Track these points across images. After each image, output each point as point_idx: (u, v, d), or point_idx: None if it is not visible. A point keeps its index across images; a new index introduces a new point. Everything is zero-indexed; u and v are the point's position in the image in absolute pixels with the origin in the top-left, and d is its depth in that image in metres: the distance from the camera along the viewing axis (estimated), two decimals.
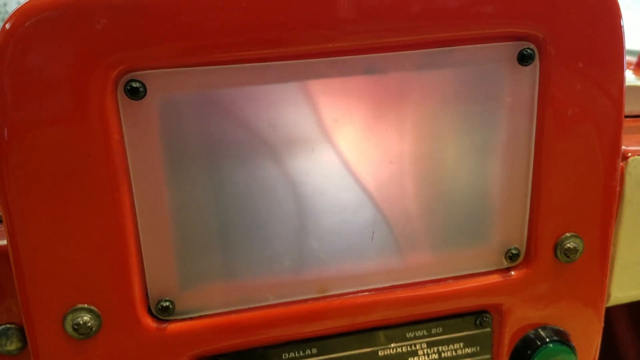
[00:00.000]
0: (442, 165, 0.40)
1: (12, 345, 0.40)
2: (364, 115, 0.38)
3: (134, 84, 0.33)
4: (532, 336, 0.44)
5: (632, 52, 0.79)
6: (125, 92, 0.33)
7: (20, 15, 0.32)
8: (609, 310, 0.88)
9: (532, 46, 0.38)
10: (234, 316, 0.39)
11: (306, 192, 0.38)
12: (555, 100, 0.39)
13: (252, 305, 0.40)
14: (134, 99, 0.34)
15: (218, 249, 0.38)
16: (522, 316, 0.44)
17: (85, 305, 0.36)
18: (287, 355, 0.41)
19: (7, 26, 0.32)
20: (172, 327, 0.38)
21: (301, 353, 0.41)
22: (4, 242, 0.39)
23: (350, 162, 0.38)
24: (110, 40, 0.32)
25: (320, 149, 0.38)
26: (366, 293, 0.41)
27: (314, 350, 0.41)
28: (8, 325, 0.40)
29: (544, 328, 0.44)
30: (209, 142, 0.36)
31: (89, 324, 0.36)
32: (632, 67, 0.76)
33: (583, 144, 0.40)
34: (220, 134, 0.36)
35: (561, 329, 0.44)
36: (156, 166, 0.35)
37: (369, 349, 0.42)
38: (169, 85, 0.34)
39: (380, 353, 0.42)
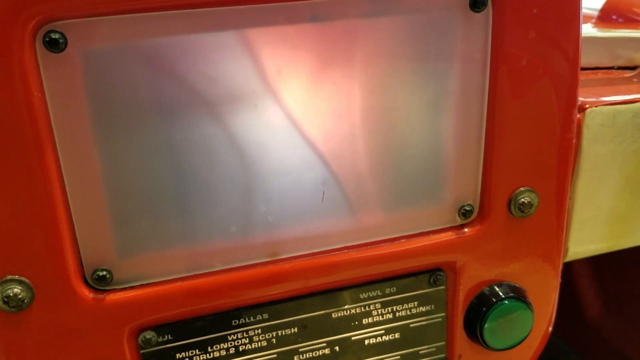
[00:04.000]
0: (393, 120, 0.38)
1: None
2: (310, 67, 0.36)
3: (53, 35, 0.30)
4: (487, 293, 0.43)
5: (593, 9, 0.78)
6: (44, 45, 0.31)
7: None
8: (571, 265, 0.89)
9: None
10: (178, 284, 0.37)
11: (250, 151, 0.36)
12: (508, 51, 0.37)
13: (197, 272, 0.38)
14: (54, 52, 0.31)
15: (157, 214, 0.36)
16: (476, 273, 0.43)
17: (16, 277, 0.33)
18: (236, 321, 0.40)
19: None
20: (111, 297, 0.36)
21: (252, 319, 0.40)
22: None
23: (296, 117, 0.36)
24: None
25: (263, 104, 0.35)
26: (318, 255, 0.40)
27: (265, 316, 0.40)
28: None
29: (499, 285, 0.44)
30: (140, 98, 0.33)
31: (20, 296, 0.33)
32: (593, 20, 0.74)
33: (538, 96, 0.39)
34: (152, 89, 0.33)
35: (517, 285, 0.44)
36: (83, 125, 0.33)
37: (323, 312, 0.41)
38: (92, 35, 0.31)
39: (334, 315, 0.41)
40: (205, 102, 0.34)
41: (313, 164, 0.38)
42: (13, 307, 0.34)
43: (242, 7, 0.33)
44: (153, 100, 0.33)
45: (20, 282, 0.33)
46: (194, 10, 0.32)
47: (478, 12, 0.36)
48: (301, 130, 0.37)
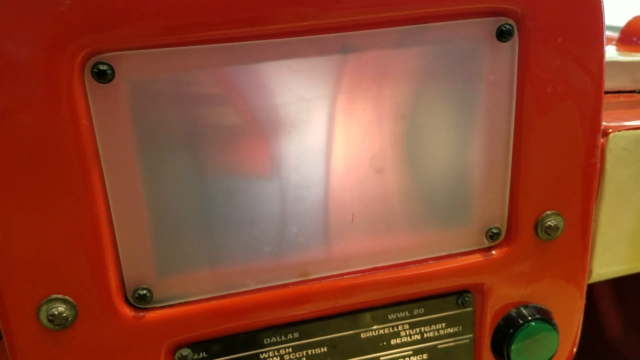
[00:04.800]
0: (422, 145, 0.39)
1: None
2: (341, 96, 0.37)
3: (102, 67, 0.32)
4: (514, 315, 0.44)
5: (613, 28, 0.79)
6: (92, 76, 0.32)
7: None
8: (592, 286, 0.89)
9: (511, 22, 0.37)
10: (213, 303, 0.38)
11: (284, 175, 0.38)
12: (534, 77, 0.38)
13: (232, 292, 0.39)
14: (101, 82, 0.33)
15: (195, 235, 0.37)
16: (503, 295, 0.43)
17: (60, 296, 0.35)
18: (268, 340, 0.41)
19: None
20: (150, 315, 0.37)
21: (283, 337, 0.41)
22: None
23: (327, 143, 0.38)
24: (75, 22, 0.31)
25: (297, 131, 0.37)
26: (347, 276, 0.41)
27: (296, 335, 0.41)
28: None
29: (526, 306, 0.44)
30: (182, 125, 0.35)
31: (64, 315, 0.35)
32: (613, 42, 0.75)
33: (563, 121, 0.40)
34: (194, 117, 0.35)
35: (543, 307, 0.44)
36: (128, 152, 0.34)
37: (351, 332, 0.42)
38: (138, 67, 0.33)
39: (362, 335, 0.42)
40: (244, 129, 0.36)
41: (343, 188, 0.39)
42: (57, 325, 0.35)
43: (279, 40, 0.35)
44: (194, 127, 0.35)
45: (64, 301, 0.35)
46: (234, 44, 0.34)
47: (505, 42, 0.37)
48: (332, 154, 0.38)
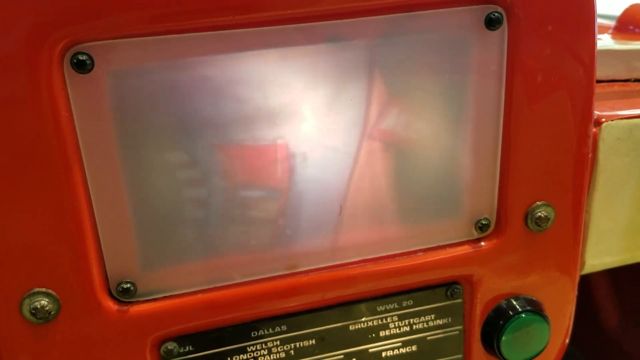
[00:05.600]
0: (410, 135, 0.39)
1: None
2: (329, 85, 0.37)
3: (81, 57, 0.32)
4: (505, 306, 0.44)
5: (610, 17, 0.78)
6: (72, 66, 0.32)
7: None
8: (588, 277, 0.89)
9: (499, 9, 0.36)
10: (199, 296, 0.38)
11: (269, 167, 0.37)
12: (524, 66, 0.38)
13: (218, 285, 0.39)
14: (81, 73, 0.32)
15: (180, 228, 0.37)
16: (493, 286, 0.43)
17: (43, 289, 0.35)
18: (255, 333, 0.40)
19: None
20: (135, 309, 0.37)
21: (271, 331, 0.41)
22: None
23: (315, 134, 0.37)
24: (54, 12, 0.30)
25: (284, 121, 0.36)
26: (335, 268, 0.40)
27: (284, 327, 0.41)
28: None
29: (516, 298, 0.44)
30: (163, 116, 0.34)
31: (47, 308, 0.34)
32: (610, 31, 0.74)
33: (554, 111, 0.39)
34: (175, 107, 0.34)
35: (534, 298, 0.44)
36: (108, 143, 0.34)
37: (340, 324, 0.42)
38: (118, 57, 0.32)
39: (351, 327, 0.42)
40: (226, 120, 0.35)
41: (330, 179, 0.38)
42: (40, 318, 0.35)
43: (267, 28, 0.34)
44: (175, 118, 0.34)
45: (47, 295, 0.35)
46: (218, 32, 0.33)
47: (494, 30, 0.37)
48: (320, 146, 0.38)
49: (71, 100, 0.32)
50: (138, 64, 0.33)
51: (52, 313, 0.35)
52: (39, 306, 0.34)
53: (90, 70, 0.32)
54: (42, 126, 0.32)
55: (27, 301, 0.34)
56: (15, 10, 0.30)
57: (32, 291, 0.34)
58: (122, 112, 0.33)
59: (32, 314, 0.34)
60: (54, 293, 0.35)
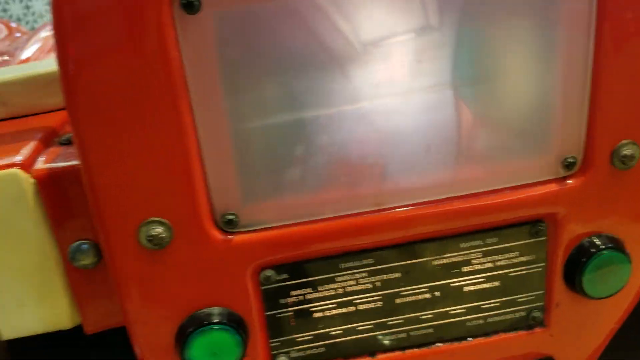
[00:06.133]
0: (497, 71, 0.39)
1: (87, 260, 0.42)
2: (422, 25, 0.37)
3: None
4: (587, 244, 0.44)
5: None
6: (181, 7, 0.34)
7: None
8: None
9: None
10: (294, 229, 0.41)
11: (362, 104, 0.39)
12: (614, 6, 0.37)
13: (311, 219, 0.41)
14: (189, 13, 0.34)
15: (277, 165, 0.39)
16: (577, 225, 0.44)
17: (158, 218, 0.38)
18: (344, 264, 0.43)
19: None
20: (237, 239, 0.40)
21: (358, 263, 0.43)
22: (72, 162, 0.41)
23: (404, 70, 0.38)
24: None
25: (375, 58, 0.38)
26: (422, 206, 0.42)
27: (371, 261, 0.43)
28: (82, 241, 0.43)
29: (599, 236, 0.44)
30: (265, 55, 0.36)
31: (162, 235, 0.38)
32: None
33: None
34: (277, 46, 0.36)
35: (616, 236, 0.45)
36: (214, 82, 0.36)
37: (425, 259, 0.44)
38: None
39: (434, 262, 0.44)
40: (323, 56, 0.37)
41: (418, 116, 0.40)
42: (155, 244, 0.38)
43: None
44: (276, 56, 0.36)
45: (161, 223, 0.38)
46: None
47: None
48: (408, 83, 0.39)
49: (180, 40, 0.34)
50: (241, 4, 0.35)
51: (165, 240, 0.38)
52: (154, 233, 0.37)
53: (197, 11, 0.34)
54: (153, 66, 0.34)
55: (143, 229, 0.37)
56: None
57: (148, 220, 0.37)
58: (227, 50, 0.35)
59: (148, 240, 0.38)
60: (167, 222, 0.38)
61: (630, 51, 0.39)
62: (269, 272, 0.41)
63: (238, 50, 0.35)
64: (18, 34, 1.26)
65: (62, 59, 0.34)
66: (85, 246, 0.42)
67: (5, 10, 4.07)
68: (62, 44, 0.34)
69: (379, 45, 0.37)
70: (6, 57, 0.97)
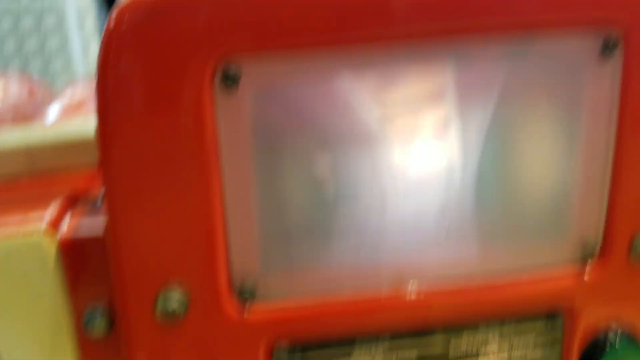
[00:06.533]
0: (519, 155, 0.40)
1: (100, 328, 0.42)
2: (445, 102, 0.39)
3: (230, 73, 0.35)
4: (602, 338, 0.44)
5: None
6: (221, 81, 0.35)
7: (121, 12, 0.34)
8: None
9: (616, 33, 0.37)
10: (310, 304, 0.40)
11: (386, 183, 0.39)
12: (637, 94, 0.39)
13: (328, 295, 0.41)
14: (229, 88, 0.35)
15: (299, 238, 0.39)
16: (593, 317, 0.43)
17: (176, 285, 0.38)
18: (359, 347, 0.42)
19: (111, 25, 0.34)
20: (254, 309, 0.39)
21: (373, 345, 0.42)
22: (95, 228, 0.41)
23: (429, 150, 0.39)
24: (210, 31, 0.34)
25: (402, 137, 0.39)
26: (439, 286, 0.42)
27: (386, 344, 0.42)
28: (96, 308, 0.42)
29: (614, 330, 0.44)
30: (295, 131, 0.37)
31: (179, 303, 0.37)
32: None
33: None
34: (307, 123, 0.37)
35: (632, 331, 0.44)
36: (246, 154, 0.37)
37: (441, 343, 0.43)
38: (262, 74, 0.36)
39: (448, 351, 0.43)
40: (351, 136, 0.38)
41: (441, 195, 0.40)
42: (171, 313, 0.37)
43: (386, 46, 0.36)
44: (306, 133, 0.37)
45: (179, 291, 0.38)
46: (353, 52, 0.36)
47: (609, 56, 0.38)
48: (433, 161, 0.40)
49: (217, 112, 0.36)
50: (277, 82, 0.36)
51: (182, 309, 0.38)
52: (171, 301, 0.37)
53: (237, 86, 0.36)
54: (189, 134, 0.35)
55: (161, 297, 0.37)
56: (177, 29, 0.33)
57: (167, 287, 0.37)
58: (260, 125, 0.37)
59: (165, 308, 0.37)
60: (185, 289, 0.38)
61: None
62: (283, 348, 0.41)
63: (271, 126, 0.37)
64: (39, 92, 1.30)
65: (101, 118, 0.35)
66: (99, 314, 0.42)
67: (26, 64, 4.21)
68: (104, 104, 0.35)
69: (404, 122, 0.39)
70: (21, 112, 1.00)
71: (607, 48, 0.38)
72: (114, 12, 0.34)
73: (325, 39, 0.35)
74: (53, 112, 0.84)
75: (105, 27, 0.34)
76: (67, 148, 0.50)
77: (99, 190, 0.48)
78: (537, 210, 0.41)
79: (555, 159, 0.40)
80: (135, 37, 0.34)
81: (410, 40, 0.36)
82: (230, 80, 0.35)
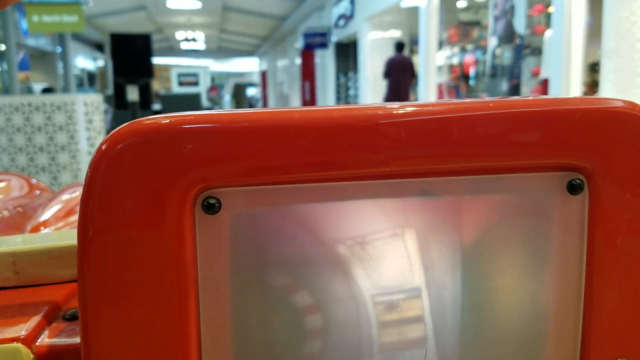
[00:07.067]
0: (493, 286, 0.41)
1: None
2: (418, 234, 0.40)
3: (211, 200, 0.37)
4: None
5: None
6: (202, 208, 0.37)
7: (115, 138, 0.36)
8: None
9: (581, 177, 0.40)
10: None
11: (361, 307, 0.40)
12: (605, 227, 0.40)
13: None
14: (209, 214, 0.37)
15: None
16: None
17: None
18: None
19: (104, 147, 0.36)
20: None
21: None
22: (73, 341, 0.41)
23: (404, 278, 0.40)
24: (193, 162, 0.36)
25: (374, 266, 0.40)
26: None
27: None
28: None
29: None
30: (270, 253, 0.38)
31: None
32: None
33: (636, 270, 0.41)
34: (282, 246, 0.38)
35: None
36: (222, 276, 0.38)
37: None
38: (240, 202, 0.38)
39: None
40: (324, 262, 0.39)
41: (418, 324, 0.41)
42: None
43: (361, 182, 0.39)
44: (280, 256, 0.38)
45: None
46: (319, 184, 0.38)
47: (575, 195, 0.40)
48: (407, 291, 0.40)
49: (197, 236, 0.37)
50: (254, 208, 0.38)
51: None
52: None
53: (217, 212, 0.37)
54: (168, 254, 0.36)
55: None
56: (163, 158, 0.36)
57: None
58: (237, 247, 0.38)
59: None
60: None
61: (622, 270, 0.41)
62: None
63: (246, 246, 0.38)
64: (37, 192, 1.32)
65: (83, 226, 0.36)
66: None
67: (32, 160, 4.32)
68: (86, 213, 0.36)
69: (377, 252, 0.40)
70: (20, 209, 1.02)
71: (572, 188, 0.40)
72: (108, 135, 0.36)
73: (301, 177, 0.37)
74: (48, 215, 0.86)
75: (97, 147, 0.36)
76: (51, 258, 0.51)
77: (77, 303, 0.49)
78: (512, 336, 0.41)
79: (528, 293, 0.41)
80: (125, 161, 0.36)
81: (383, 178, 0.38)
82: (211, 208, 0.37)
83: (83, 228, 0.36)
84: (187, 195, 0.36)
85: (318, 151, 0.37)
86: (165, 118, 0.36)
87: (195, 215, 0.37)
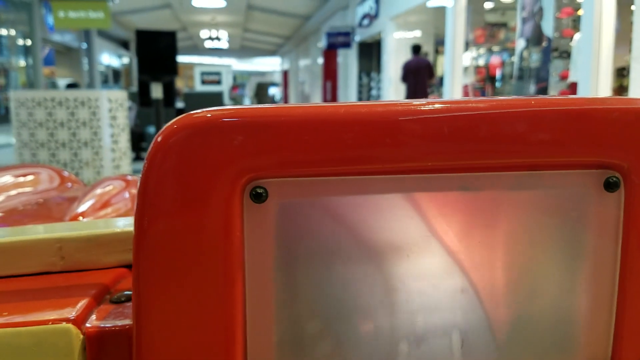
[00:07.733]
0: (530, 279, 0.42)
1: None
2: (457, 228, 0.41)
3: (259, 190, 0.38)
4: None
5: None
6: (250, 197, 0.38)
7: (169, 132, 0.38)
8: None
9: (617, 174, 0.41)
10: None
11: (399, 297, 0.41)
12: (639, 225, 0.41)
13: None
14: (257, 203, 0.38)
15: (313, 346, 0.41)
16: None
17: None
18: None
19: (159, 139, 0.38)
20: None
21: None
22: (121, 323, 0.43)
23: (442, 271, 0.41)
24: (242, 153, 0.38)
25: (415, 257, 0.41)
26: None
27: None
28: None
29: None
30: (313, 243, 0.40)
31: None
32: None
33: None
34: (325, 236, 0.40)
35: None
36: (267, 263, 0.39)
37: None
38: (286, 192, 0.39)
39: None
40: (366, 251, 0.40)
41: (454, 314, 0.42)
42: None
43: (407, 176, 0.40)
44: (324, 245, 0.40)
45: None
46: (363, 177, 0.39)
47: (611, 192, 0.41)
48: (445, 282, 0.42)
49: (245, 224, 0.39)
50: (300, 199, 0.39)
51: None
52: None
53: (264, 202, 0.39)
54: (218, 241, 0.38)
55: None
56: (215, 149, 0.37)
57: None
58: (281, 238, 0.39)
59: None
60: None
61: None
62: None
63: (291, 238, 0.39)
64: (69, 184, 1.35)
65: (139, 214, 0.38)
66: None
67: (54, 155, 4.37)
68: (143, 202, 0.38)
69: (417, 244, 0.41)
70: (41, 201, 1.05)
71: (609, 185, 0.41)
72: (162, 128, 0.38)
73: (345, 170, 0.39)
74: (84, 207, 0.88)
75: (154, 139, 0.38)
76: (97, 244, 0.53)
77: (124, 287, 0.51)
78: (545, 331, 0.42)
79: (563, 286, 0.42)
80: (178, 152, 0.37)
81: (423, 172, 0.40)
82: (258, 197, 0.38)
83: (140, 216, 0.38)
84: (236, 184, 0.38)
85: (362, 145, 0.38)
86: (215, 112, 0.38)
87: (243, 204, 0.39)
